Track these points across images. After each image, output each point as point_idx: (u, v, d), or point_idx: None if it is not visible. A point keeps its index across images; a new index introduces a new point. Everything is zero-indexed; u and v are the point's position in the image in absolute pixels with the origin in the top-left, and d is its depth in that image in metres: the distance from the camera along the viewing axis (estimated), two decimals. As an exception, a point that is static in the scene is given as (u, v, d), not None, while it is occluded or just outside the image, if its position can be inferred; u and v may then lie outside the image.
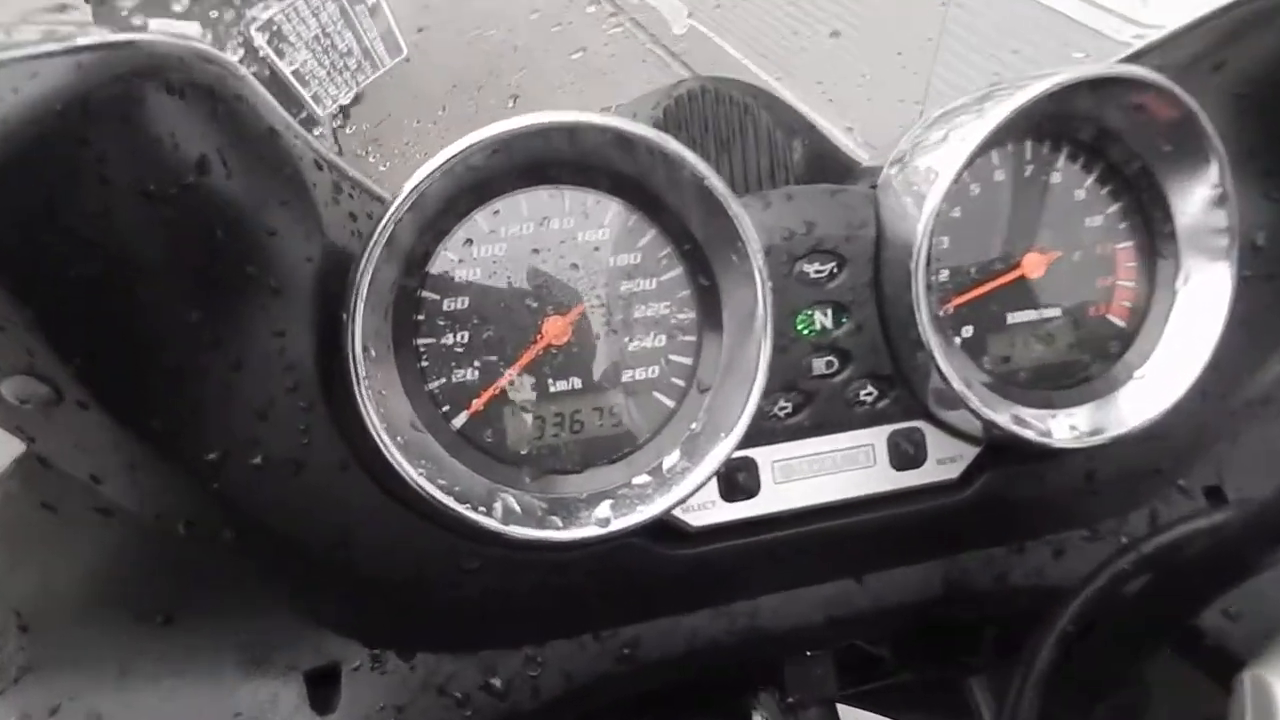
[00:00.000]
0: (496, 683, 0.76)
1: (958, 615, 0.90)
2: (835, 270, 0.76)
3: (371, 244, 0.61)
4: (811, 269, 0.75)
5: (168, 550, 0.74)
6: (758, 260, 0.68)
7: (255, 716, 0.73)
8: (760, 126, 0.95)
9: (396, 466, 0.63)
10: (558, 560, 0.73)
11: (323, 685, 0.74)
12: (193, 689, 0.73)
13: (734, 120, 0.94)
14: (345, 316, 0.62)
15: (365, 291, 0.62)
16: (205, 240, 0.58)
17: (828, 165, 0.98)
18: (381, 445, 0.63)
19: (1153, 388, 0.79)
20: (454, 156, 0.61)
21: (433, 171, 0.61)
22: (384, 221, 0.61)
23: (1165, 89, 0.72)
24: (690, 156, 0.65)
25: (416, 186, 0.61)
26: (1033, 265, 0.80)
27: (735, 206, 0.67)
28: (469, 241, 0.69)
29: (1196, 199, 0.79)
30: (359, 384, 0.62)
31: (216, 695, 0.73)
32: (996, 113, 0.71)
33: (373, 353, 0.64)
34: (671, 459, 0.71)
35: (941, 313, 0.79)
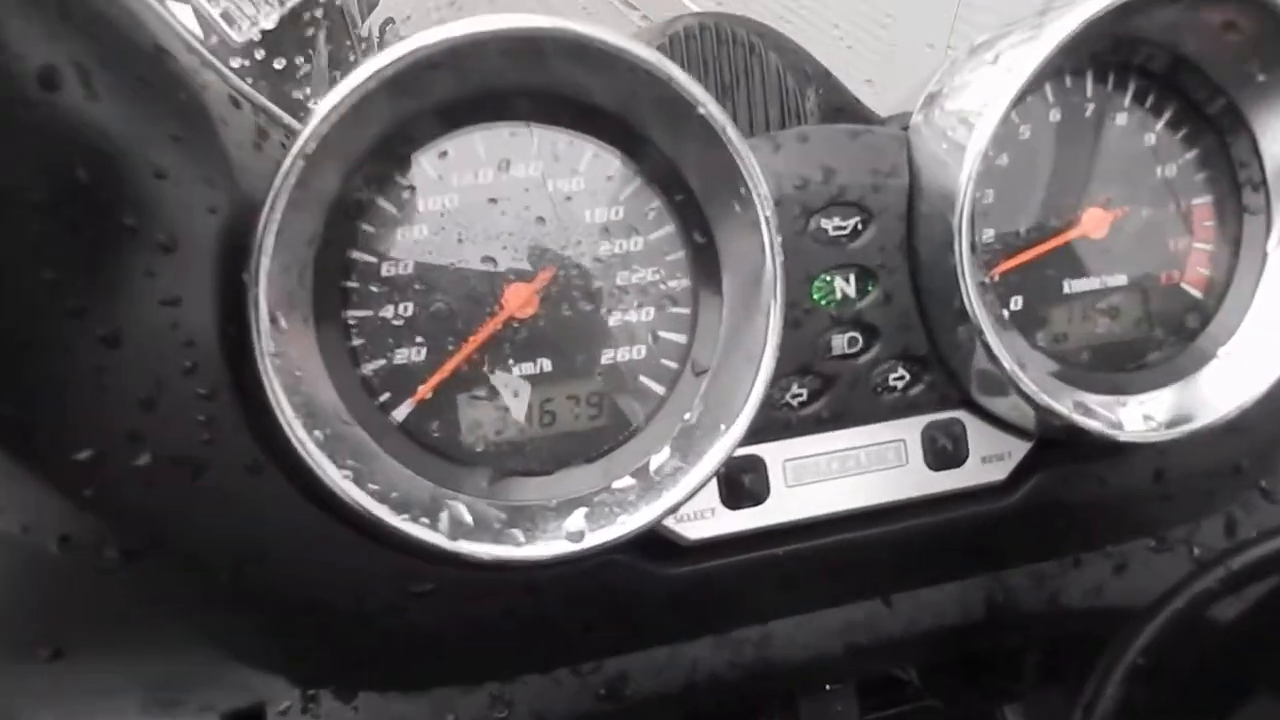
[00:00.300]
0: None
1: (1002, 641, 0.77)
2: (859, 226, 0.63)
3: (277, 186, 0.48)
4: (831, 225, 0.62)
5: (58, 570, 0.61)
6: (765, 209, 0.55)
7: None
8: (769, 70, 0.82)
9: (313, 467, 0.51)
10: (528, 581, 0.61)
11: None
12: None
13: (738, 62, 0.81)
14: (247, 278, 0.49)
15: (270, 246, 0.49)
16: (58, 177, 0.45)
17: (845, 119, 0.85)
18: (293, 439, 0.50)
19: (1240, 369, 0.66)
20: (379, 71, 0.48)
21: (352, 91, 0.48)
22: (291, 157, 0.48)
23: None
24: (681, 76, 0.52)
25: (332, 110, 0.48)
26: (1094, 223, 0.67)
27: (736, 138, 0.54)
28: (410, 190, 0.57)
29: (1294, 142, 0.66)
30: (263, 362, 0.50)
31: None
32: (1057, 30, 0.58)
33: (283, 324, 0.51)
34: (660, 458, 0.58)
35: (986, 280, 0.66)
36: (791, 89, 0.82)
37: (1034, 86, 0.65)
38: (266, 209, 0.48)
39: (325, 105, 0.48)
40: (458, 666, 0.64)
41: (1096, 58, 0.66)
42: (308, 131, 0.48)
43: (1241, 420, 0.68)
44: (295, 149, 0.48)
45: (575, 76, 0.55)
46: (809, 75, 0.84)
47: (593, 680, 0.66)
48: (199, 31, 0.73)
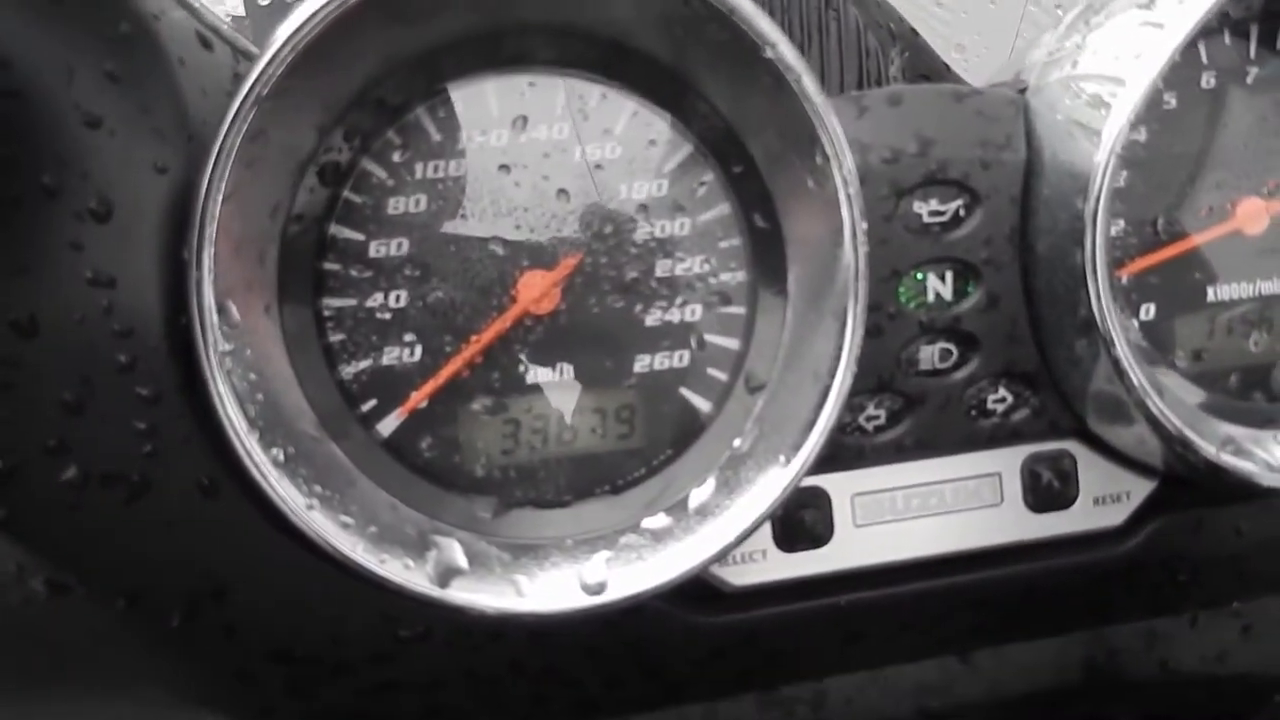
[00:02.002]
0: None
1: (1102, 712, 0.65)
2: (962, 212, 0.52)
3: (222, 138, 0.38)
4: (926, 209, 0.51)
5: None
6: (848, 184, 0.44)
7: None
8: (848, 26, 0.70)
9: (269, 492, 0.41)
10: (544, 627, 0.50)
11: None
12: None
13: (812, 17, 0.71)
14: (187, 256, 0.39)
15: (215, 215, 0.39)
16: None
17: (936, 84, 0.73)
18: (244, 456, 0.41)
19: None
20: (329, 5, 0.38)
21: (319, 13, 0.38)
22: (239, 100, 0.38)
23: None
24: (746, 5, 0.41)
25: (295, 37, 0.38)
26: (1251, 217, 0.56)
27: (814, 90, 0.42)
28: (404, 149, 0.46)
29: None
30: (209, 361, 0.40)
31: None
32: None
33: (235, 315, 0.41)
34: (703, 493, 0.48)
35: (1113, 282, 0.54)
36: (873, 50, 0.71)
37: (1192, 40, 0.53)
38: (209, 168, 0.38)
39: (284, 31, 0.38)
40: (455, 722, 0.55)
41: (1269, 7, 0.54)
42: (260, 66, 0.38)
43: None
44: (246, 88, 0.38)
45: (612, 8, 0.44)
46: (893, 35, 0.73)
47: None
48: None
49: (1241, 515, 0.59)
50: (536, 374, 0.49)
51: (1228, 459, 0.50)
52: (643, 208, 0.49)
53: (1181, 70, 0.55)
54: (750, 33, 0.42)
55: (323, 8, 0.38)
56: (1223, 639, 0.65)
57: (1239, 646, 0.65)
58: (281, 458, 0.42)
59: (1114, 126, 0.47)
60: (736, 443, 0.49)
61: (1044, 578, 0.57)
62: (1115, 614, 0.63)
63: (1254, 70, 0.56)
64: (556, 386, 0.50)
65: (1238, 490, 0.54)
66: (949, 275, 0.52)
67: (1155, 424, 0.50)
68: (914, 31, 0.78)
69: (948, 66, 0.77)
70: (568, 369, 0.50)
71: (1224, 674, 0.64)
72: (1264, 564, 0.63)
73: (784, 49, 0.42)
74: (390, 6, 0.40)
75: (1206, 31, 0.54)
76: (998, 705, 0.62)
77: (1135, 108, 0.47)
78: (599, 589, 0.45)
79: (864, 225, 0.45)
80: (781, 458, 0.46)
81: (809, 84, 0.43)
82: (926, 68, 0.76)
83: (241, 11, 0.84)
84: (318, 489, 0.43)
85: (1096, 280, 0.48)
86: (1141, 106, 0.47)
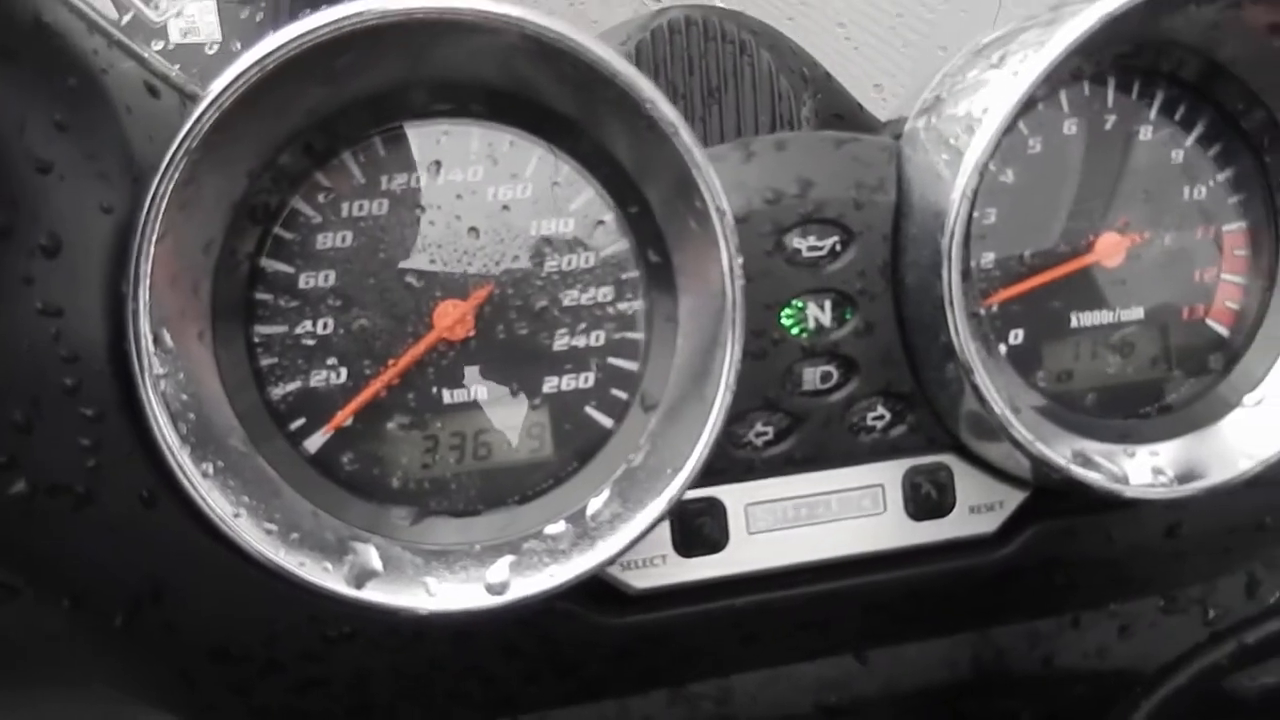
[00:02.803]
0: None
1: (992, 708, 0.70)
2: (839, 247, 0.56)
3: (156, 185, 0.43)
4: (805, 244, 0.56)
5: None
6: (722, 225, 0.49)
7: None
8: (761, 71, 0.75)
9: (199, 501, 0.45)
10: (462, 627, 0.55)
11: None
12: None
13: (727, 62, 0.74)
14: (125, 290, 0.44)
15: (150, 253, 0.44)
16: None
17: (846, 125, 0.78)
18: (176, 470, 0.45)
19: (1267, 420, 0.59)
20: (279, 50, 0.43)
21: (243, 75, 0.43)
22: (172, 152, 0.43)
23: None
24: (627, 70, 0.46)
25: (224, 96, 0.43)
26: (1109, 250, 0.60)
27: (690, 142, 0.47)
28: (331, 191, 0.51)
29: (1343, 165, 0.59)
30: (145, 384, 0.45)
31: None
32: (1070, 30, 0.50)
33: (169, 342, 0.46)
34: (599, 502, 0.52)
35: (983, 310, 0.59)
36: (785, 93, 0.75)
37: (1046, 93, 0.59)
38: (144, 211, 0.43)
39: (214, 88, 0.43)
40: (383, 718, 0.59)
41: (1121, 62, 0.59)
42: (190, 121, 0.43)
43: (1267, 473, 0.61)
44: (177, 142, 0.43)
45: (518, 68, 0.49)
46: (806, 78, 0.77)
47: None
48: (112, 12, 0.67)
49: (1112, 522, 0.63)
50: (452, 395, 0.54)
51: (1077, 470, 0.55)
52: (547, 243, 0.53)
53: (1045, 116, 0.60)
54: (630, 92, 0.47)
55: (245, 70, 0.43)
56: (1102, 638, 0.69)
57: (1117, 644, 0.69)
58: (211, 471, 0.46)
59: (967, 169, 0.52)
60: (632, 457, 0.53)
61: (927, 581, 0.61)
62: (999, 615, 0.67)
63: (1111, 118, 0.61)
64: (498, 405, 0.54)
65: (1103, 499, 0.59)
66: (828, 304, 0.57)
67: (1014, 440, 0.55)
68: (828, 76, 0.83)
69: (860, 107, 0.83)
70: (481, 390, 0.54)
71: (1103, 669, 0.69)
72: (1135, 568, 0.68)
73: (661, 105, 0.47)
74: (308, 69, 0.45)
75: (1063, 82, 0.59)
76: (894, 700, 0.67)
77: (984, 154, 0.52)
78: (501, 589, 0.49)
79: (740, 261, 0.50)
80: (670, 470, 0.51)
81: (685, 136, 0.48)
82: (840, 108, 0.81)
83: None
84: (244, 499, 0.47)
85: (954, 310, 0.53)
86: (991, 153, 0.52)
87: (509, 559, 0.51)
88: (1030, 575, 0.64)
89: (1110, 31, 0.52)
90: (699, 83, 0.74)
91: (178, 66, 0.52)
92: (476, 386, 0.54)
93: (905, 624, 0.65)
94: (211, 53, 0.78)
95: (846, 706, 0.65)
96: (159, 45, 0.69)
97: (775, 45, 0.77)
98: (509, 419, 0.54)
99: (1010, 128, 0.52)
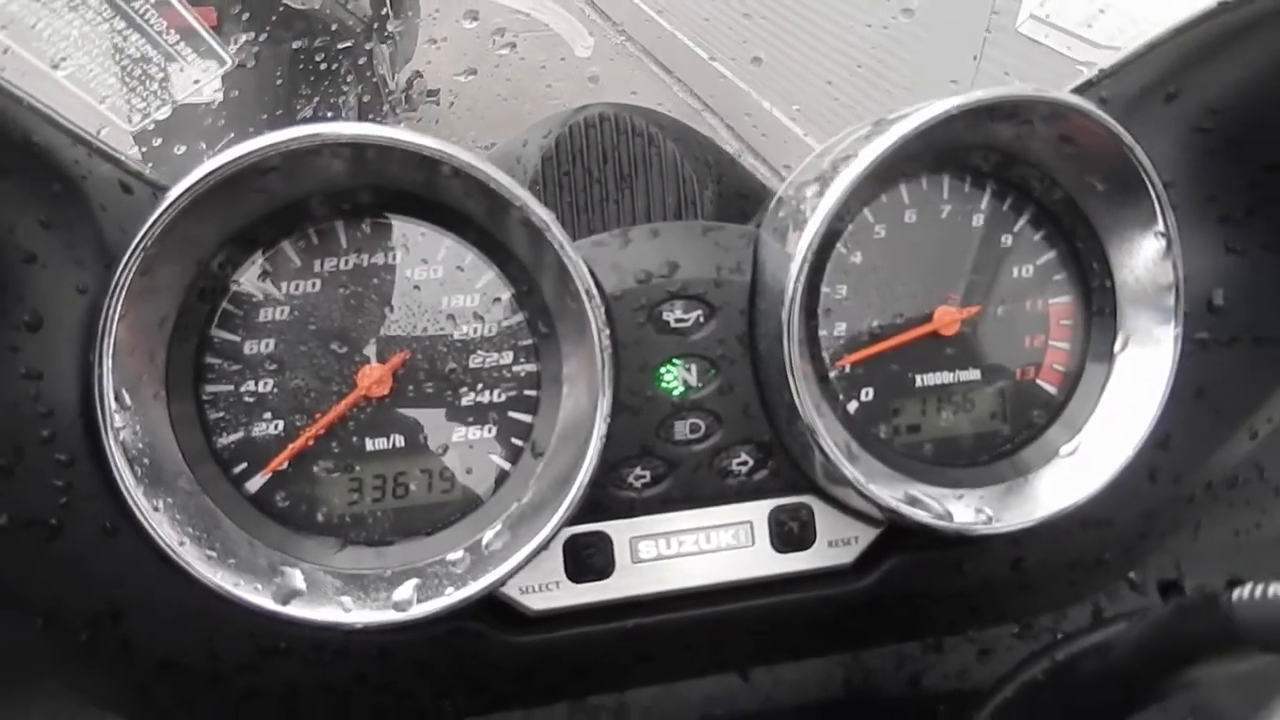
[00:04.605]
0: None
1: None
2: (702, 319, 0.66)
3: (116, 279, 0.53)
4: (673, 317, 0.65)
5: None
6: (591, 305, 0.58)
7: None
8: (667, 160, 0.85)
9: (151, 531, 0.55)
10: (379, 645, 0.64)
11: None
12: None
13: (637, 152, 0.85)
14: (92, 360, 0.54)
15: (113, 331, 0.54)
16: None
17: (749, 206, 0.88)
18: (132, 505, 0.54)
19: (1080, 468, 0.68)
20: (219, 168, 0.53)
21: (193, 184, 0.53)
22: (129, 254, 0.53)
23: (1075, 110, 0.62)
24: (500, 178, 0.56)
25: (165, 211, 0.53)
26: (946, 320, 0.70)
27: (559, 237, 0.57)
28: (272, 274, 0.61)
29: (1138, 248, 0.69)
30: (107, 436, 0.54)
31: None
32: (873, 150, 0.61)
33: (128, 401, 0.55)
34: (492, 533, 0.61)
35: (834, 372, 0.69)
36: (689, 178, 0.85)
37: (883, 188, 0.69)
38: (108, 299, 0.53)
39: (168, 198, 0.53)
40: (312, 725, 0.68)
41: (952, 162, 0.69)
42: (146, 226, 0.53)
43: (1098, 514, 0.70)
44: (135, 241, 0.53)
45: (431, 178, 0.59)
46: (709, 164, 0.88)
47: None
48: (91, 124, 0.78)
49: (962, 556, 0.71)
50: (374, 443, 0.63)
51: (905, 509, 0.64)
52: (452, 317, 0.63)
53: (889, 207, 0.70)
54: (504, 195, 0.57)
55: (193, 184, 0.53)
56: (963, 661, 0.77)
57: (977, 667, 0.77)
58: (161, 506, 0.56)
59: (799, 253, 0.61)
60: (522, 496, 0.63)
61: (796, 607, 0.69)
62: (866, 639, 0.75)
63: (947, 207, 0.71)
64: (414, 452, 0.63)
65: (941, 536, 0.68)
66: (694, 367, 0.66)
67: (848, 483, 0.64)
68: (733, 161, 0.94)
69: (764, 188, 0.93)
70: (399, 439, 0.64)
71: (965, 689, 0.77)
72: (987, 598, 0.76)
73: (532, 207, 0.57)
74: (238, 185, 0.55)
75: (892, 179, 0.69)
76: (773, 715, 0.75)
77: (811, 239, 0.61)
78: (405, 606, 0.58)
79: (607, 334, 0.59)
80: (551, 508, 0.60)
81: (556, 232, 0.58)
82: (745, 189, 0.92)
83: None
84: (189, 530, 0.56)
85: (794, 374, 0.62)
86: (818, 240, 0.61)
87: (415, 581, 0.60)
88: (892, 603, 0.72)
89: (917, 145, 0.62)
90: (613, 170, 0.85)
91: (150, 165, 0.62)
92: (395, 436, 0.63)
93: (781, 646, 0.73)
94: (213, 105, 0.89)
95: (732, 719, 0.73)
96: (147, 124, 0.79)
97: (682, 137, 0.88)
98: (424, 464, 0.64)
99: (829, 220, 0.62)
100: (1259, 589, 0.41)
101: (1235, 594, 0.42)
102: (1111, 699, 0.53)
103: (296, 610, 0.57)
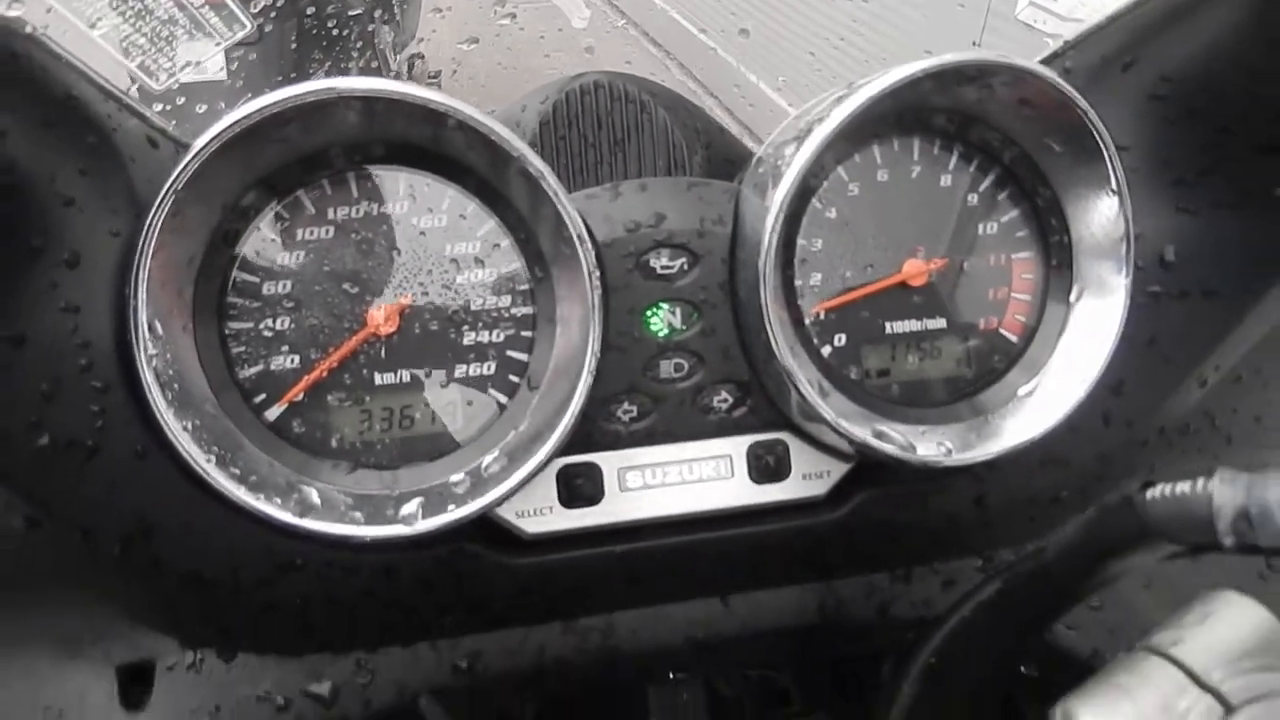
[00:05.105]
0: (322, 690, 0.73)
1: (840, 647, 0.84)
2: (686, 266, 0.71)
3: (151, 218, 0.58)
4: (659, 264, 0.71)
5: None
6: (582, 250, 0.64)
7: (63, 709, 0.70)
8: (658, 126, 0.90)
9: (181, 450, 0.60)
10: (386, 564, 0.69)
11: (136, 681, 0.71)
12: (2, 680, 0.70)
13: (630, 118, 0.90)
14: (128, 293, 0.59)
15: (147, 267, 0.59)
16: None
17: (735, 171, 0.93)
18: (166, 428, 0.60)
19: (1036, 407, 0.73)
20: (232, 126, 0.58)
21: (221, 132, 0.58)
22: (165, 190, 0.58)
23: (1032, 75, 0.67)
24: (501, 130, 0.62)
25: (196, 155, 0.58)
26: (914, 272, 0.75)
27: (553, 185, 0.63)
28: (289, 220, 0.66)
29: (1093, 205, 0.74)
30: (141, 362, 0.60)
31: (27, 687, 0.70)
32: (843, 110, 0.66)
33: (159, 331, 0.61)
34: (491, 459, 0.67)
35: (810, 318, 0.74)
36: (679, 143, 0.91)
37: (857, 147, 0.74)
38: (143, 235, 0.58)
39: (195, 146, 0.58)
40: (325, 636, 0.73)
41: (921, 125, 0.74)
42: (177, 170, 0.58)
43: (1055, 454, 0.76)
44: (167, 185, 0.58)
45: (439, 132, 0.65)
46: (698, 131, 0.93)
47: (449, 656, 0.75)
48: (123, 82, 0.83)
49: (924, 491, 0.76)
50: (383, 377, 0.69)
51: (872, 441, 0.69)
52: (455, 262, 0.69)
53: (862, 166, 0.75)
54: (504, 147, 0.62)
55: (220, 131, 0.59)
56: (929, 591, 0.82)
57: (940, 597, 0.83)
58: (190, 427, 0.61)
59: (774, 207, 0.67)
60: (520, 427, 0.68)
61: (771, 536, 0.75)
62: (839, 569, 0.81)
63: (917, 168, 0.76)
64: (420, 386, 0.69)
65: (913, 471, 0.73)
66: (679, 311, 0.71)
67: (820, 419, 0.69)
68: (721, 129, 0.99)
69: (750, 152, 0.98)
70: (405, 374, 0.69)
71: (930, 617, 0.82)
72: (951, 532, 0.81)
73: (529, 157, 0.63)
74: (259, 135, 0.60)
75: (864, 139, 0.74)
76: (753, 637, 0.80)
77: (785, 194, 0.66)
78: (412, 520, 0.64)
79: (598, 276, 0.65)
80: (544, 437, 0.66)
81: (550, 181, 0.63)
82: (733, 155, 0.97)
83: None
84: (215, 450, 0.62)
85: (770, 318, 0.67)
86: (791, 196, 0.67)
87: (419, 500, 0.65)
88: (862, 535, 0.77)
89: (887, 105, 0.67)
90: (607, 135, 0.90)
91: (174, 123, 0.67)
92: (402, 371, 0.69)
93: (758, 574, 0.79)
94: (219, 81, 0.94)
95: (711, 642, 0.79)
96: (167, 83, 0.84)
97: (673, 105, 0.93)
98: (428, 397, 0.70)
99: (801, 177, 0.67)
100: (1167, 488, 0.46)
101: (1148, 493, 0.47)
102: (1043, 601, 0.58)
103: (312, 523, 0.62)
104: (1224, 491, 0.44)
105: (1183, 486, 0.46)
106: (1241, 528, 0.44)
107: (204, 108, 0.99)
